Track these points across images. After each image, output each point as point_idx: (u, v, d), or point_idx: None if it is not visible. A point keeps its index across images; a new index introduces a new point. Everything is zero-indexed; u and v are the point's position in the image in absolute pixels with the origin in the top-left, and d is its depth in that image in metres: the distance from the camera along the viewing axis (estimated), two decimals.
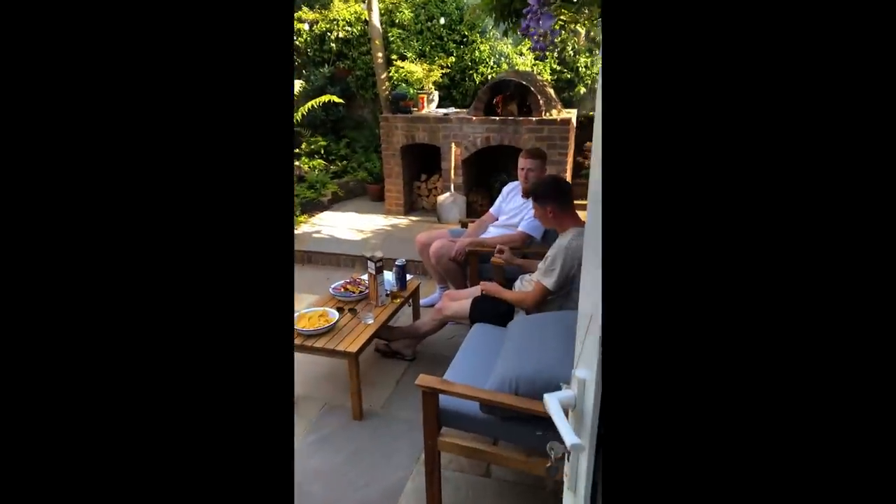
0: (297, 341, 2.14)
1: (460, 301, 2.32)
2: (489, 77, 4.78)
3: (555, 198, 2.07)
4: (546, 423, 1.45)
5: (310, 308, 2.38)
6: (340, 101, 5.02)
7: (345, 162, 5.38)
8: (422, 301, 2.94)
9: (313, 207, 4.64)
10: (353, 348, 2.08)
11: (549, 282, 1.99)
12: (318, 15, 5.41)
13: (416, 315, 2.83)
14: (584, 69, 4.71)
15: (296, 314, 2.28)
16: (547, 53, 4.28)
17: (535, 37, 1.21)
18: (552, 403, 0.68)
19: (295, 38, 5.56)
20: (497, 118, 4.11)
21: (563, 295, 2.03)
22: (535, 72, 4.65)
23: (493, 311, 2.15)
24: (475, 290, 2.35)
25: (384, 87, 4.90)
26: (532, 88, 4.00)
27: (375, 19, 4.72)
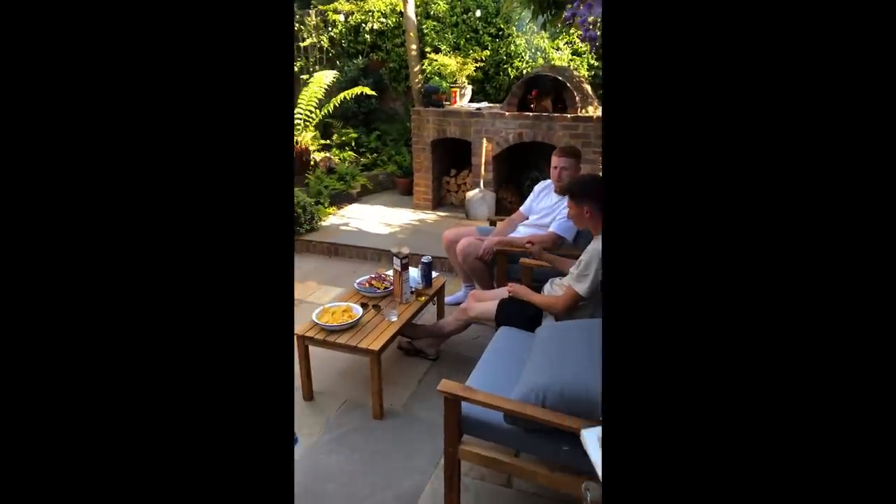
0: (319, 336, 2.11)
1: (486, 302, 2.25)
2: (524, 72, 4.67)
3: (594, 197, 1.97)
4: (575, 438, 1.39)
5: (333, 303, 2.35)
6: (373, 93, 4.99)
7: (375, 155, 5.36)
8: (447, 299, 2.88)
9: (342, 199, 4.64)
10: (376, 346, 2.04)
11: (582, 288, 1.90)
12: (353, 6, 5.38)
13: (440, 313, 2.78)
14: None
15: (320, 308, 2.26)
16: (587, 46, 4.14)
17: (585, 24, 1.13)
18: (590, 440, 0.62)
19: (330, 29, 5.55)
20: (531, 114, 4.00)
21: (595, 301, 1.94)
22: (571, 67, 4.52)
23: (520, 315, 2.08)
24: (502, 292, 2.28)
25: (417, 80, 4.84)
26: (568, 84, 3.87)
27: (411, 11, 4.66)
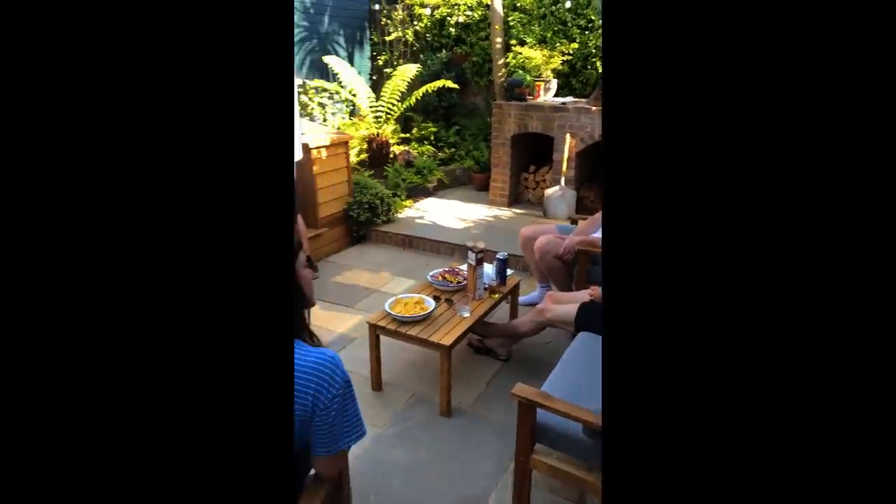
0: (391, 327, 2.09)
1: (565, 305, 2.12)
2: None
3: None
4: None
5: (406, 294, 2.32)
6: (455, 85, 4.95)
7: (453, 149, 5.33)
8: (520, 299, 2.77)
9: (418, 193, 4.64)
10: (447, 341, 1.98)
11: None
12: (440, 0, 5.38)
13: (513, 313, 2.67)
14: None
15: (392, 298, 2.23)
16: None
17: None
18: None
19: (415, 23, 5.59)
20: None
21: None
22: None
23: (602, 321, 1.93)
24: (582, 295, 2.13)
25: (500, 74, 4.74)
26: None
27: (497, 3, 4.56)
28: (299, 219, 3.11)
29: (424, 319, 2.12)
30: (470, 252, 2.29)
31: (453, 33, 5.37)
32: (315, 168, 3.48)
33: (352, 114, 5.39)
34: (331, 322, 2.76)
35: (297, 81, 3.94)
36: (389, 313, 2.13)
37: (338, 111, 5.22)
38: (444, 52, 5.42)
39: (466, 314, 2.18)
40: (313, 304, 1.11)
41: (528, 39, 4.74)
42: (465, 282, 2.41)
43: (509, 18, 4.87)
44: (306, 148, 3.30)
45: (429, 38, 5.56)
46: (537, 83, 4.28)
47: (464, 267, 2.49)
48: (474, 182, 4.95)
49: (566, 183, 4.04)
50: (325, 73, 5.16)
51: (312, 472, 1.12)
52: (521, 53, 4.53)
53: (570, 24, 4.66)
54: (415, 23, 5.60)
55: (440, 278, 2.46)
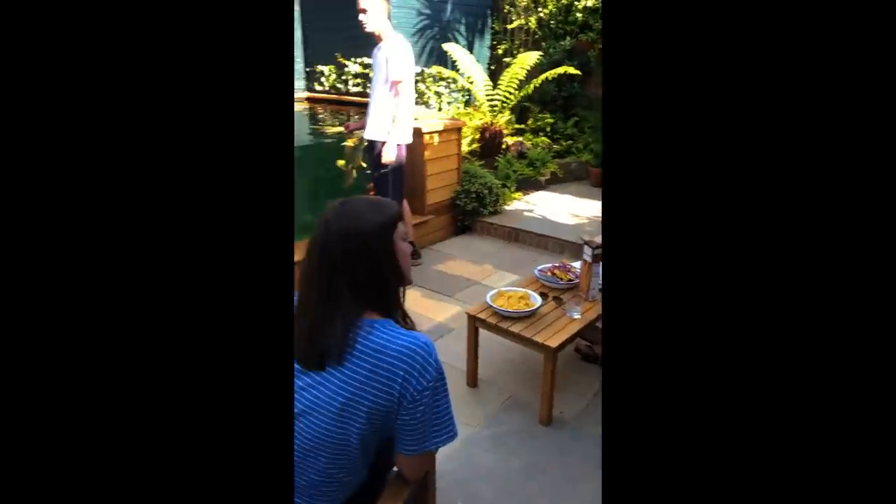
0: (491, 320, 1.93)
1: None
2: None
3: None
4: None
5: (510, 287, 2.15)
6: (577, 72, 4.65)
7: (570, 142, 5.03)
8: None
9: (529, 185, 4.43)
10: (554, 343, 1.78)
11: None
12: None
13: None
14: None
15: (494, 291, 2.08)
16: None
17: None
18: None
19: (540, 9, 5.35)
20: None
21: None
22: None
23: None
24: None
25: None
26: None
27: None
28: (405, 203, 3.08)
29: (529, 316, 1.94)
30: (586, 247, 2.05)
31: (580, 19, 5.05)
32: (426, 154, 3.43)
33: (467, 104, 5.30)
34: (429, 310, 2.68)
35: (416, 69, 3.93)
36: (491, 306, 1.97)
37: (453, 100, 5.17)
38: (567, 39, 5.12)
39: (577, 316, 1.96)
40: (410, 282, 0.99)
41: None
42: (577, 280, 2.17)
43: None
44: (418, 132, 3.25)
45: (552, 25, 5.29)
46: None
47: (577, 264, 2.26)
48: (591, 177, 4.62)
49: None
50: (444, 61, 5.13)
51: (396, 468, 1.01)
52: None
53: None
54: (539, 9, 5.36)
55: (549, 274, 2.25)
